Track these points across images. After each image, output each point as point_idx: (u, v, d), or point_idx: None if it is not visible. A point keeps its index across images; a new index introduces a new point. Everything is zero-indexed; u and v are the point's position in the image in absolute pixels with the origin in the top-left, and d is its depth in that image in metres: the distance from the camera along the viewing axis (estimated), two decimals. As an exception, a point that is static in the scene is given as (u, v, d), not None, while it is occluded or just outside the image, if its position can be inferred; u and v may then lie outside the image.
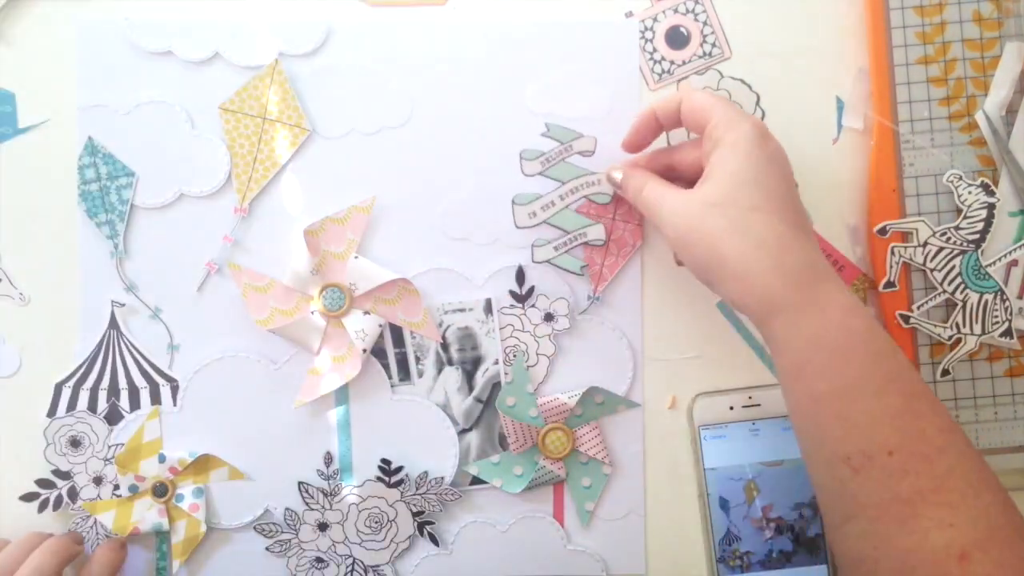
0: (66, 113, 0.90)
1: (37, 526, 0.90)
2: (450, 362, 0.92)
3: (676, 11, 0.92)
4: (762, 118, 0.92)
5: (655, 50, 0.92)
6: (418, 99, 0.91)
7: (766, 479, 0.91)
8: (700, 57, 0.92)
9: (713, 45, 0.92)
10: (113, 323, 0.90)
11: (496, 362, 0.92)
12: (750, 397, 0.92)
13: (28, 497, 0.90)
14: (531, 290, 0.92)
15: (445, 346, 0.92)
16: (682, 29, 0.92)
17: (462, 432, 0.92)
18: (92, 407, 0.90)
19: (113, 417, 0.91)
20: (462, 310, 0.92)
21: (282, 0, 0.91)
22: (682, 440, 0.93)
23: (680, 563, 0.94)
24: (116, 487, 0.90)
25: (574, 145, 0.91)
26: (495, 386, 0.92)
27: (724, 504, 0.91)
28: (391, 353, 0.92)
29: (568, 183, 0.91)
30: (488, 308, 0.92)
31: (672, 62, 0.92)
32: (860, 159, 0.93)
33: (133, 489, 0.90)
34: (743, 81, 0.92)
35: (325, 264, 0.89)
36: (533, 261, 0.92)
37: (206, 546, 0.92)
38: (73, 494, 0.90)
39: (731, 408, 0.92)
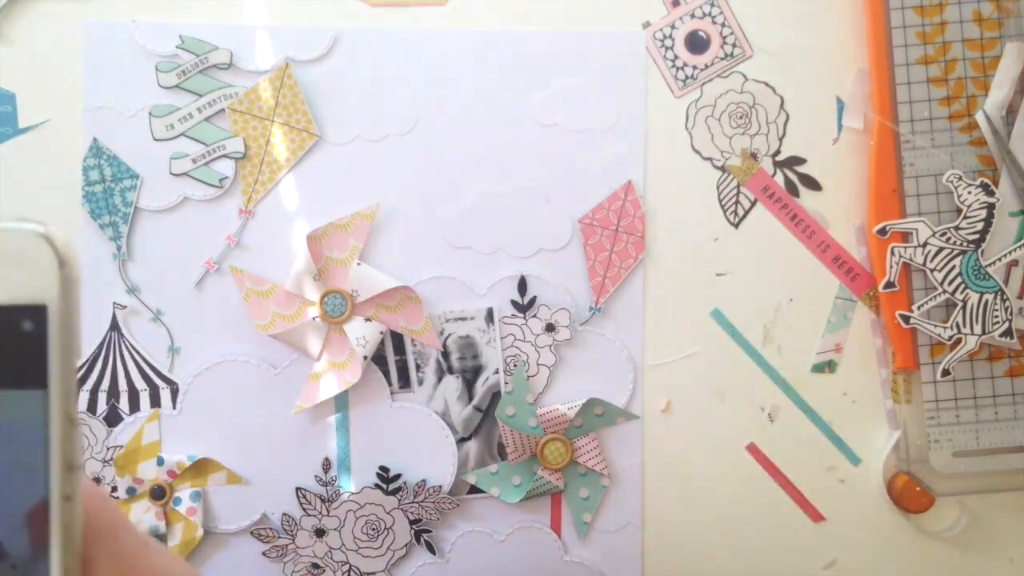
0: (67, 114, 0.90)
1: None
2: (450, 370, 0.92)
3: (693, 16, 0.92)
4: (786, 121, 0.93)
5: (676, 57, 0.92)
6: (424, 107, 0.91)
7: None
8: (722, 59, 0.93)
9: (734, 46, 0.92)
10: (114, 325, 0.90)
11: (496, 371, 0.92)
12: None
13: (25, 497, 0.90)
14: (533, 300, 0.92)
15: (446, 354, 0.92)
16: (701, 33, 0.92)
17: (461, 441, 0.92)
18: (92, 408, 0.90)
19: (112, 419, 0.90)
20: (463, 319, 0.92)
21: (288, 4, 0.91)
22: (681, 450, 0.94)
23: (677, 576, 0.94)
24: (114, 489, 0.90)
25: (210, 57, 0.90)
26: (495, 395, 0.92)
27: None
28: (391, 360, 0.92)
29: (205, 95, 0.90)
30: (490, 317, 0.92)
31: (695, 67, 0.92)
32: (860, 159, 0.93)
33: (131, 491, 0.90)
34: (767, 84, 0.93)
35: (327, 270, 0.90)
36: (171, 174, 0.90)
37: (203, 550, 0.91)
38: (70, 495, 0.90)
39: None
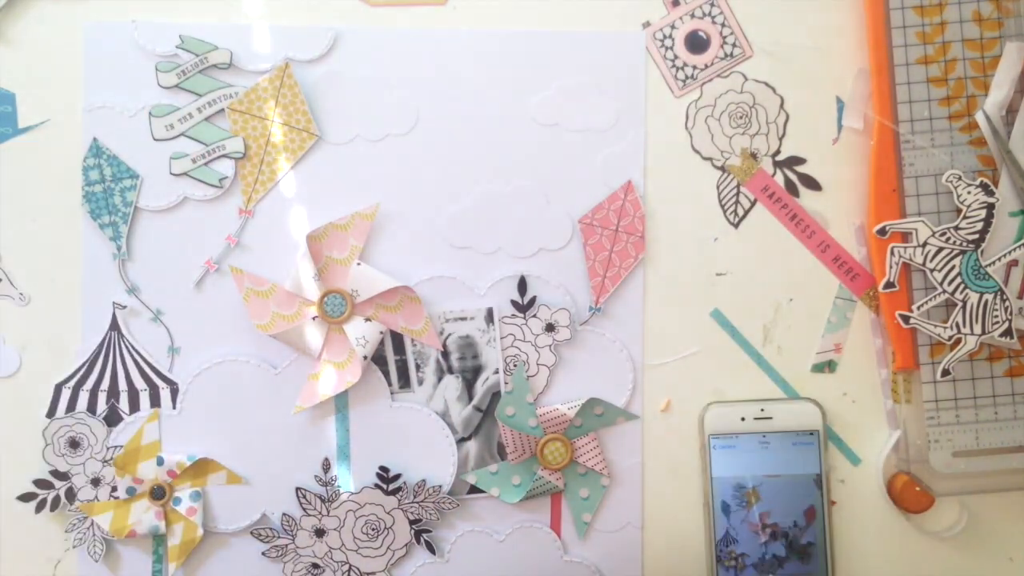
0: (67, 114, 0.90)
1: (34, 526, 0.90)
2: (450, 370, 0.92)
3: (693, 16, 0.92)
4: (786, 121, 0.93)
5: (676, 57, 0.92)
6: (423, 107, 0.91)
7: (767, 488, 0.91)
8: (722, 59, 0.92)
9: (734, 45, 0.92)
10: (114, 325, 0.90)
11: (496, 371, 0.92)
12: (762, 409, 0.92)
13: (26, 497, 0.90)
14: (533, 300, 0.91)
15: (446, 354, 0.92)
16: (701, 33, 0.92)
17: (461, 441, 0.92)
18: (92, 408, 0.90)
19: (112, 419, 0.90)
20: (463, 319, 0.92)
21: (287, 4, 0.91)
22: (681, 450, 0.93)
23: (677, 576, 0.94)
24: (114, 489, 0.90)
25: (210, 57, 0.90)
26: (495, 395, 0.92)
27: (725, 508, 0.91)
28: (391, 360, 0.92)
29: (205, 95, 0.90)
30: (489, 317, 0.92)
31: (695, 67, 0.92)
32: (860, 159, 0.93)
33: (131, 491, 0.90)
34: (767, 84, 0.93)
35: (327, 270, 0.89)
36: (171, 174, 0.90)
37: (203, 550, 0.91)
38: (71, 495, 0.90)
39: (743, 419, 0.92)
